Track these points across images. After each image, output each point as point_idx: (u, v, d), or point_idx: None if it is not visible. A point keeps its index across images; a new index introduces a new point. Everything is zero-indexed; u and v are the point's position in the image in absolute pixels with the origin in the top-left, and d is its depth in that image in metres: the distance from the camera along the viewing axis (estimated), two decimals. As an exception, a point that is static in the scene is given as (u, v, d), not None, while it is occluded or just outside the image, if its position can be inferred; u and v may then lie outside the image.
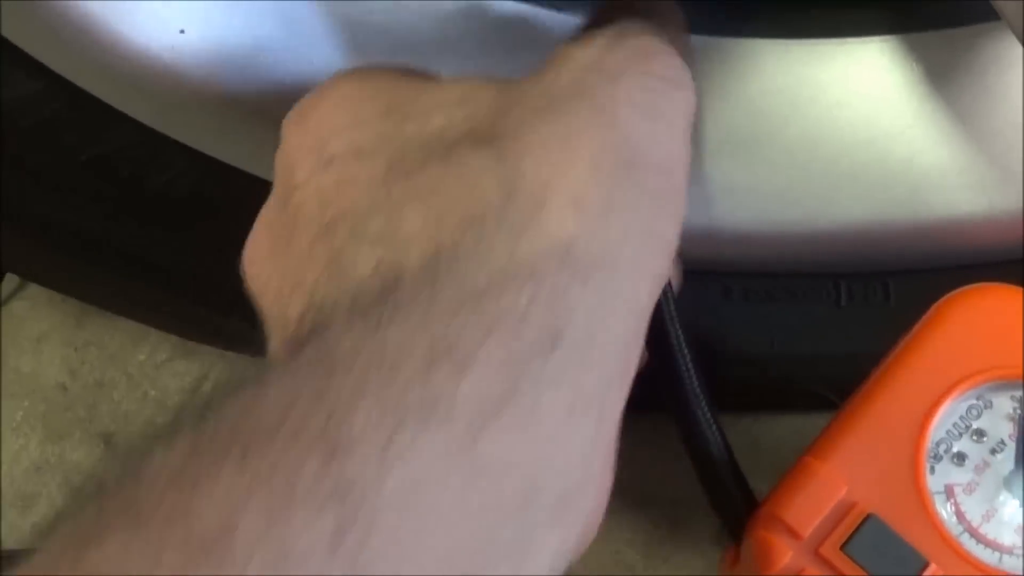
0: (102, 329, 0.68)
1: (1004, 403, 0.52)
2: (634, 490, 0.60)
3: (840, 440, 0.51)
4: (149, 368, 0.67)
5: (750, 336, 0.61)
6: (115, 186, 0.58)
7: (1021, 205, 0.58)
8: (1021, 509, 0.50)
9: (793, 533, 0.49)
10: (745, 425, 0.62)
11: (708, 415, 0.51)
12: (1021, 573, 0.49)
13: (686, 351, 0.50)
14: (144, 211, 0.59)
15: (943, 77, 0.58)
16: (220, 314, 0.62)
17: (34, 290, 0.67)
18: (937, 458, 0.51)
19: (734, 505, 0.52)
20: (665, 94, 0.43)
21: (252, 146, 0.56)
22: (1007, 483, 0.51)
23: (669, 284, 0.48)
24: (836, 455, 0.50)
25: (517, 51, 0.55)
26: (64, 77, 0.55)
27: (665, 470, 0.59)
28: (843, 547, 0.49)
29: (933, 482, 0.50)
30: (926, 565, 0.49)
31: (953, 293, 0.53)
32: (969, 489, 0.51)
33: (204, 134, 0.57)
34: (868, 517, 0.49)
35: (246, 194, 0.55)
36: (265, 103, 0.54)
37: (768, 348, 0.61)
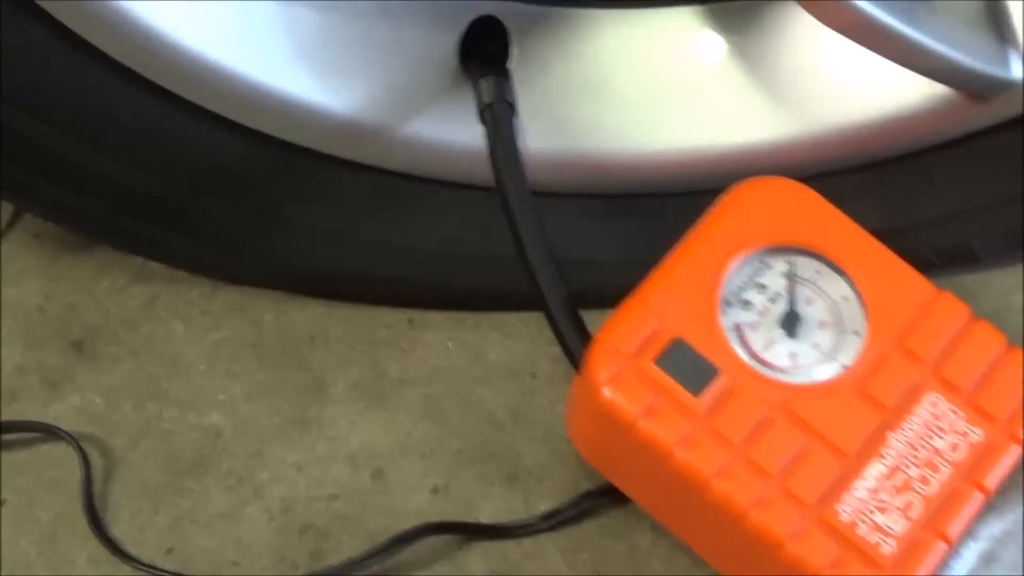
0: (72, 264, 0.82)
1: (780, 265, 0.68)
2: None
3: (655, 287, 0.66)
4: (111, 292, 0.81)
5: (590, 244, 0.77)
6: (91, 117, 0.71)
7: (790, 136, 0.74)
8: (789, 341, 0.66)
9: (618, 352, 0.64)
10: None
11: (555, 272, 0.67)
12: (791, 383, 0.64)
13: (537, 224, 0.67)
14: (107, 141, 0.72)
15: (738, 35, 0.74)
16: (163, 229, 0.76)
17: (15, 235, 0.81)
18: (730, 304, 0.66)
19: (574, 338, 0.67)
20: None
21: (200, 85, 0.70)
22: (781, 322, 0.66)
23: (518, 155, 0.65)
24: (652, 298, 0.65)
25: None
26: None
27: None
28: (656, 361, 0.64)
29: (726, 321, 0.66)
30: (718, 373, 0.64)
31: (742, 181, 0.68)
32: (753, 327, 0.66)
33: (166, 76, 0.70)
34: (675, 340, 0.64)
35: (189, 126, 0.70)
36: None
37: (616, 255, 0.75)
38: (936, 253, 0.75)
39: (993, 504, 0.67)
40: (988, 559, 0.68)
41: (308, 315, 0.79)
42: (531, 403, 0.76)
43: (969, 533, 0.66)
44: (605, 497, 0.71)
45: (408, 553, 0.71)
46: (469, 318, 0.78)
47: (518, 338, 0.75)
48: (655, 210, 0.75)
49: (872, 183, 0.75)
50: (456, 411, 0.75)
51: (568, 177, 0.75)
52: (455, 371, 0.77)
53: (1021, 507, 0.69)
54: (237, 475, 0.74)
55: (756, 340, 0.66)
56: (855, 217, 0.68)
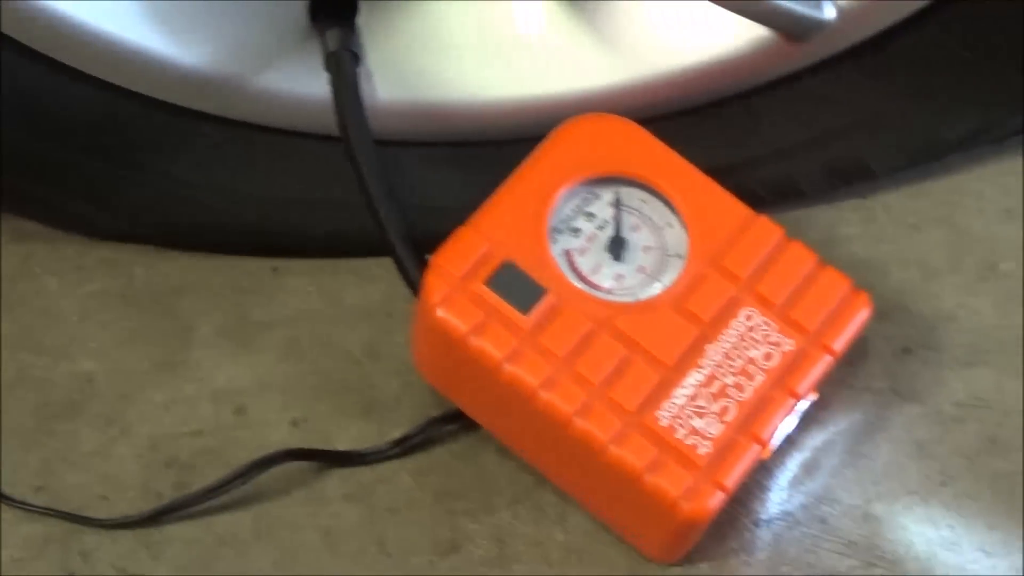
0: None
1: (607, 194, 0.72)
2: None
3: (486, 215, 0.69)
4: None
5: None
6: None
7: (623, 81, 0.78)
8: (615, 264, 0.70)
9: (450, 274, 0.68)
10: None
11: (393, 205, 0.72)
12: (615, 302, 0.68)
13: (376, 161, 0.71)
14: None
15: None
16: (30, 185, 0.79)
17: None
18: (560, 231, 0.70)
19: (412, 265, 0.71)
20: None
21: (58, 41, 0.73)
22: (607, 247, 0.71)
23: (359, 98, 0.70)
24: (483, 224, 0.69)
25: None
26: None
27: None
28: (486, 282, 0.68)
29: (556, 247, 0.70)
30: (545, 293, 0.68)
31: (571, 118, 0.72)
32: (582, 252, 0.70)
33: (22, 31, 0.72)
34: (505, 263, 0.68)
35: (51, 82, 0.73)
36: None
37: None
38: (765, 189, 0.79)
39: (816, 416, 0.71)
40: (809, 467, 0.72)
41: (177, 267, 0.82)
42: (386, 340, 0.79)
43: (792, 443, 0.71)
44: (453, 423, 0.75)
45: (267, 479, 0.74)
46: (329, 265, 0.81)
47: (375, 281, 0.79)
48: (499, 156, 0.77)
49: (702, 124, 0.79)
50: (315, 350, 0.79)
51: (416, 125, 0.79)
52: (315, 314, 0.80)
53: (845, 420, 0.73)
54: (107, 416, 0.77)
55: (584, 264, 0.70)
56: (687, 157, 0.72)
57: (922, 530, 0.72)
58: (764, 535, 0.71)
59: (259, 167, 0.79)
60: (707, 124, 0.79)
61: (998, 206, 0.81)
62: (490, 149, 0.80)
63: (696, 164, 0.72)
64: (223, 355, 0.79)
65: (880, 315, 0.74)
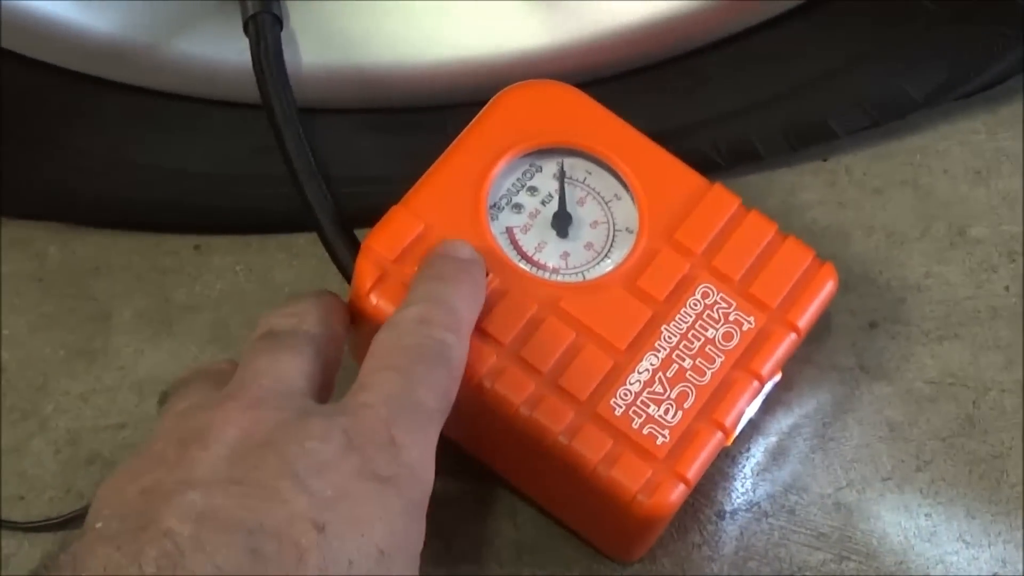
0: None
1: (551, 167, 0.67)
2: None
3: (420, 193, 0.65)
4: None
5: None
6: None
7: (566, 41, 0.74)
8: (560, 241, 0.66)
9: (382, 258, 0.63)
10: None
11: (321, 186, 0.67)
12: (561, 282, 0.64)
13: (299, 139, 0.67)
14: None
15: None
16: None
17: None
18: (500, 208, 0.66)
19: (343, 252, 0.66)
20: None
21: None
22: (552, 223, 0.66)
23: (281, 65, 0.66)
24: (417, 203, 0.64)
25: None
26: None
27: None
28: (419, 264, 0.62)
29: (497, 225, 0.65)
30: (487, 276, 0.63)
31: (510, 86, 0.68)
32: (524, 229, 0.66)
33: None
34: (442, 243, 0.63)
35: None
36: None
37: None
38: (719, 153, 0.75)
39: (780, 398, 0.67)
40: (775, 453, 0.68)
41: (93, 246, 0.77)
42: (320, 322, 0.73)
43: (755, 428, 0.67)
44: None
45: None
46: (256, 241, 0.77)
47: (305, 258, 0.74)
48: (436, 123, 0.74)
49: (650, 85, 0.75)
50: (244, 333, 0.73)
51: (348, 91, 0.74)
52: (242, 294, 0.75)
53: (811, 402, 0.69)
54: (21, 410, 0.72)
55: (527, 242, 0.65)
56: (635, 120, 0.68)
57: (897, 519, 0.68)
58: (729, 528, 0.67)
59: (177, 139, 0.75)
60: (654, 86, 0.75)
61: (967, 167, 0.77)
62: (426, 115, 0.75)
63: (645, 128, 0.68)
64: (144, 341, 0.75)
65: (844, 287, 0.70)
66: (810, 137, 0.76)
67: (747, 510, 0.68)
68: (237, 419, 0.53)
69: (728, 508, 0.68)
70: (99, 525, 0.50)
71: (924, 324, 0.73)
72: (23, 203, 0.77)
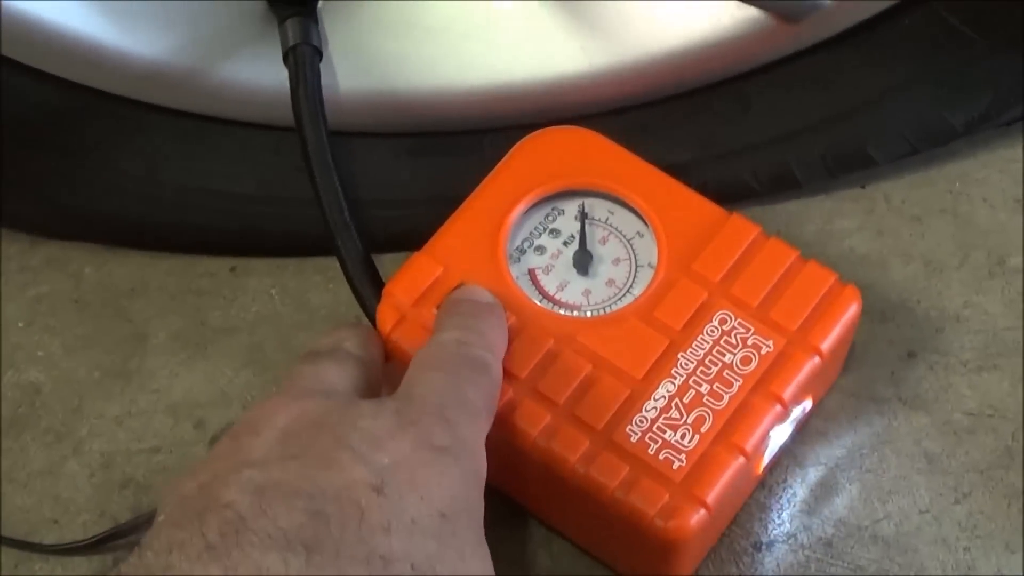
0: None
1: (573, 209, 0.68)
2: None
3: (441, 239, 0.66)
4: None
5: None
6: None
7: (604, 67, 0.73)
8: (582, 279, 0.66)
9: (401, 303, 0.65)
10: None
11: (350, 231, 0.67)
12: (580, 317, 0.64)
13: (332, 181, 0.67)
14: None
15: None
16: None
17: None
18: (522, 251, 0.67)
19: (369, 296, 0.67)
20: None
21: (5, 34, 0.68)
22: (574, 263, 0.67)
23: (318, 102, 0.66)
24: (437, 249, 0.66)
25: None
26: None
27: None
28: (439, 307, 0.64)
29: (519, 267, 0.66)
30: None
31: (532, 133, 0.69)
32: (546, 270, 0.66)
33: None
34: (460, 286, 0.65)
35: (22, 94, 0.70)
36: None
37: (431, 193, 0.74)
38: (757, 179, 0.74)
39: (816, 428, 0.67)
40: (812, 485, 0.68)
41: (129, 267, 0.77)
42: (355, 347, 0.73)
43: (792, 458, 0.68)
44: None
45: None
46: (292, 264, 0.77)
47: (341, 281, 0.73)
48: (470, 147, 0.74)
49: (690, 111, 0.74)
50: (279, 357, 0.74)
51: (382, 116, 0.74)
52: (278, 317, 0.75)
53: (849, 433, 0.69)
54: (56, 432, 0.73)
55: (549, 282, 0.66)
56: (673, 146, 0.69)
57: (935, 552, 0.67)
58: (766, 560, 0.67)
59: (216, 162, 0.75)
60: (696, 111, 0.74)
61: (1006, 195, 0.75)
62: (461, 139, 0.75)
63: (684, 153, 0.69)
64: (180, 363, 0.75)
65: (882, 316, 0.70)
66: (849, 164, 0.75)
67: (784, 542, 0.67)
68: (286, 408, 0.54)
69: (765, 540, 0.67)
70: (162, 518, 0.51)
71: (963, 354, 0.71)
72: (60, 224, 0.78)
